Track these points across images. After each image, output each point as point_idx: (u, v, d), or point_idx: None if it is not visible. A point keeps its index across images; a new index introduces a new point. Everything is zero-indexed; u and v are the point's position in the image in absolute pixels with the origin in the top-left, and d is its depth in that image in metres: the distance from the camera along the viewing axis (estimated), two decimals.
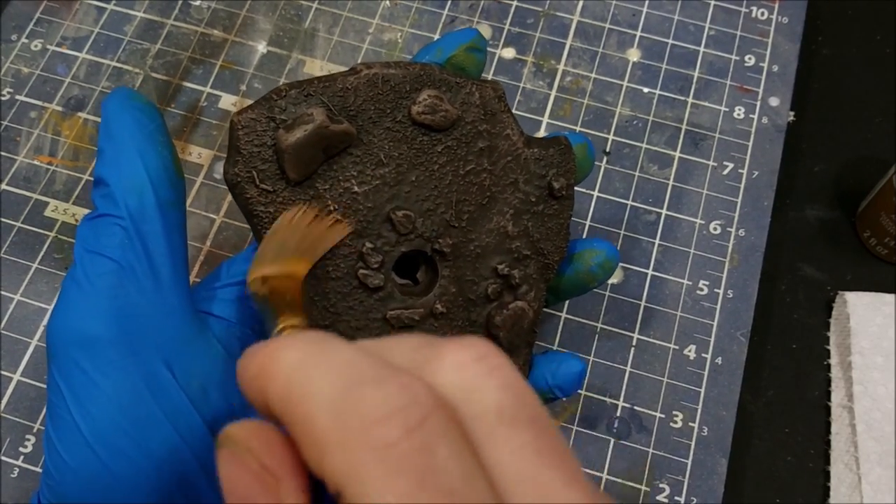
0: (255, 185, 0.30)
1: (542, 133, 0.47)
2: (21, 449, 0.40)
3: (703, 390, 0.41)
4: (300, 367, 0.18)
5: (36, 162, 0.46)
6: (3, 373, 0.41)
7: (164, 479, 0.28)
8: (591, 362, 0.42)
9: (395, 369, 0.18)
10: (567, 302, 0.43)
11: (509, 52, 0.49)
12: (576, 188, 0.45)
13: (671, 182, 0.46)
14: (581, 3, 0.50)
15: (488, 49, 0.49)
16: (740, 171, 0.46)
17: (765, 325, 0.43)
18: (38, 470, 0.39)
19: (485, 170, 0.33)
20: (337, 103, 0.31)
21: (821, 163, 0.47)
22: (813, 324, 0.44)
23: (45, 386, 0.41)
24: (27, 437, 0.40)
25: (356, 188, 0.31)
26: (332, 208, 0.31)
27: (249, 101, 0.47)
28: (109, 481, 0.27)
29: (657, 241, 0.45)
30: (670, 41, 0.50)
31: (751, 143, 0.47)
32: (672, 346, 0.42)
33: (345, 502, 0.16)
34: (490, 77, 0.48)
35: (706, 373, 0.42)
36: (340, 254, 0.31)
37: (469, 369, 0.19)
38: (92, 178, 0.45)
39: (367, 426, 0.17)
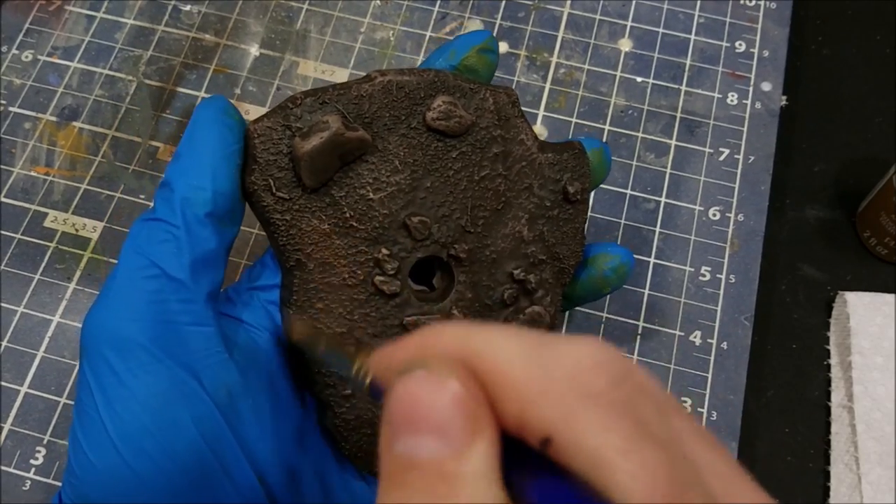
0: (272, 193, 0.30)
1: (538, 127, 0.47)
2: (32, 461, 0.40)
3: (710, 375, 0.42)
4: (471, 331, 0.18)
5: (33, 173, 0.46)
6: (10, 386, 0.41)
7: (187, 483, 0.28)
8: None
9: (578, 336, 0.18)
10: None
11: (502, 47, 0.49)
12: None
13: (669, 170, 0.46)
14: None
15: None
16: (736, 156, 0.47)
17: (765, 325, 0.44)
18: (50, 482, 0.39)
19: (499, 175, 0.33)
20: (352, 110, 0.31)
21: (820, 162, 0.48)
22: (813, 324, 0.44)
23: (53, 398, 0.41)
24: (38, 448, 0.40)
25: (372, 195, 0.31)
26: (347, 215, 0.31)
27: (244, 105, 0.47)
28: (133, 482, 0.27)
29: (657, 230, 0.45)
30: (661, 30, 0.50)
31: (745, 129, 0.47)
32: (677, 332, 0.43)
33: (556, 448, 0.16)
34: None
35: (712, 358, 0.42)
36: (357, 260, 0.31)
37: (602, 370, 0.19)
38: (89, 188, 0.45)
39: (573, 375, 0.17)
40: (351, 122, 0.31)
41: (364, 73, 0.33)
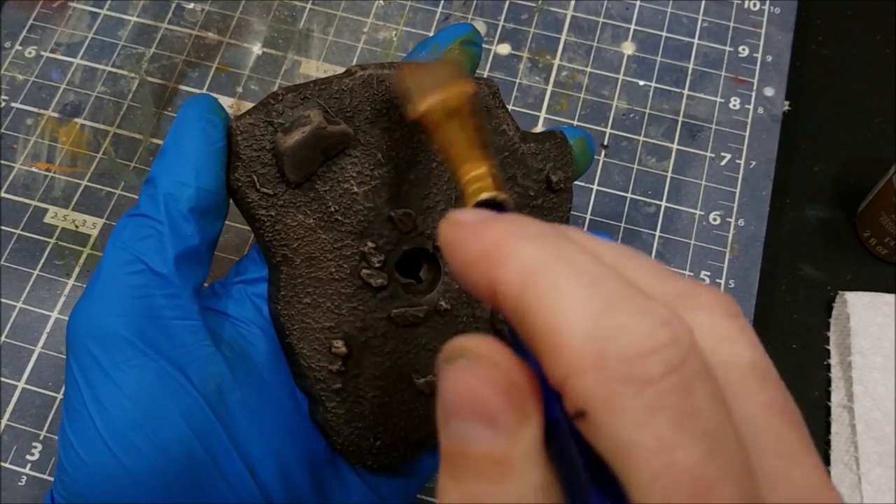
0: (256, 189, 0.30)
1: (539, 129, 0.47)
2: (28, 457, 0.40)
3: None
4: (541, 267, 0.17)
5: (34, 169, 0.46)
6: (8, 381, 0.41)
7: (177, 476, 0.28)
8: None
9: (651, 299, 0.17)
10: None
11: (504, 49, 0.49)
12: (575, 182, 0.45)
13: (670, 174, 0.46)
14: None
15: (484, 46, 0.49)
16: (738, 161, 0.46)
17: (765, 325, 0.43)
18: (46, 477, 0.39)
19: None
20: (333, 105, 0.31)
21: (820, 162, 0.48)
22: (813, 324, 0.44)
23: (50, 393, 0.41)
24: (34, 444, 0.40)
25: (356, 189, 0.31)
26: (332, 209, 0.31)
27: (246, 104, 0.47)
28: (123, 477, 0.27)
29: (657, 233, 0.45)
30: (664, 34, 0.50)
31: (747, 134, 0.47)
32: None
33: (587, 424, 0.16)
34: (486, 73, 0.49)
35: None
36: (343, 254, 0.31)
37: (723, 320, 0.19)
38: (90, 184, 0.45)
39: (627, 358, 0.16)
40: (333, 116, 0.31)
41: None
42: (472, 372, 0.18)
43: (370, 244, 0.31)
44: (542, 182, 0.34)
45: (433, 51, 0.33)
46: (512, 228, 0.18)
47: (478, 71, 0.48)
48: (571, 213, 0.45)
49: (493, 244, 0.18)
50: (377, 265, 0.31)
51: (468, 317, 0.33)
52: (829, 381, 0.42)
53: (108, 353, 0.28)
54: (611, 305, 0.16)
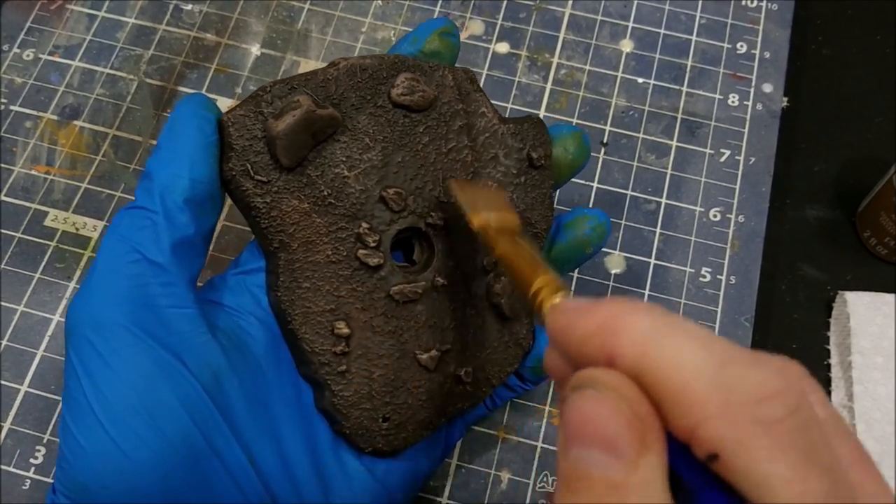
0: (251, 177, 0.31)
1: None
2: (32, 460, 0.40)
3: None
4: (657, 334, 0.19)
5: (33, 172, 0.46)
6: (10, 385, 0.41)
7: (176, 463, 0.28)
8: None
9: (761, 354, 0.19)
10: (571, 292, 0.43)
11: (503, 47, 0.49)
12: (575, 180, 0.45)
13: (669, 171, 0.46)
14: None
15: (482, 44, 0.49)
16: (737, 157, 0.46)
17: (765, 325, 0.44)
18: (50, 481, 0.39)
19: (466, 146, 0.34)
20: (320, 94, 0.32)
21: (820, 162, 0.48)
22: (813, 324, 0.44)
23: (53, 397, 0.41)
24: (37, 448, 0.40)
25: (346, 172, 0.32)
26: (325, 193, 0.31)
27: None
28: (123, 463, 0.27)
29: (658, 230, 0.45)
30: (662, 31, 0.50)
31: (746, 130, 0.47)
32: None
33: (722, 465, 0.18)
34: (484, 72, 0.49)
35: None
36: (338, 237, 0.32)
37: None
38: (90, 187, 0.45)
39: (753, 402, 0.18)
40: (321, 102, 0.32)
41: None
42: (599, 401, 0.19)
43: (364, 225, 0.32)
44: (524, 160, 0.35)
45: (413, 42, 0.35)
46: (621, 306, 0.20)
47: (477, 70, 0.48)
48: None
49: (607, 319, 0.20)
50: (373, 245, 0.32)
51: (465, 293, 0.34)
52: (829, 381, 0.42)
53: (106, 340, 0.28)
54: (726, 361, 0.19)
